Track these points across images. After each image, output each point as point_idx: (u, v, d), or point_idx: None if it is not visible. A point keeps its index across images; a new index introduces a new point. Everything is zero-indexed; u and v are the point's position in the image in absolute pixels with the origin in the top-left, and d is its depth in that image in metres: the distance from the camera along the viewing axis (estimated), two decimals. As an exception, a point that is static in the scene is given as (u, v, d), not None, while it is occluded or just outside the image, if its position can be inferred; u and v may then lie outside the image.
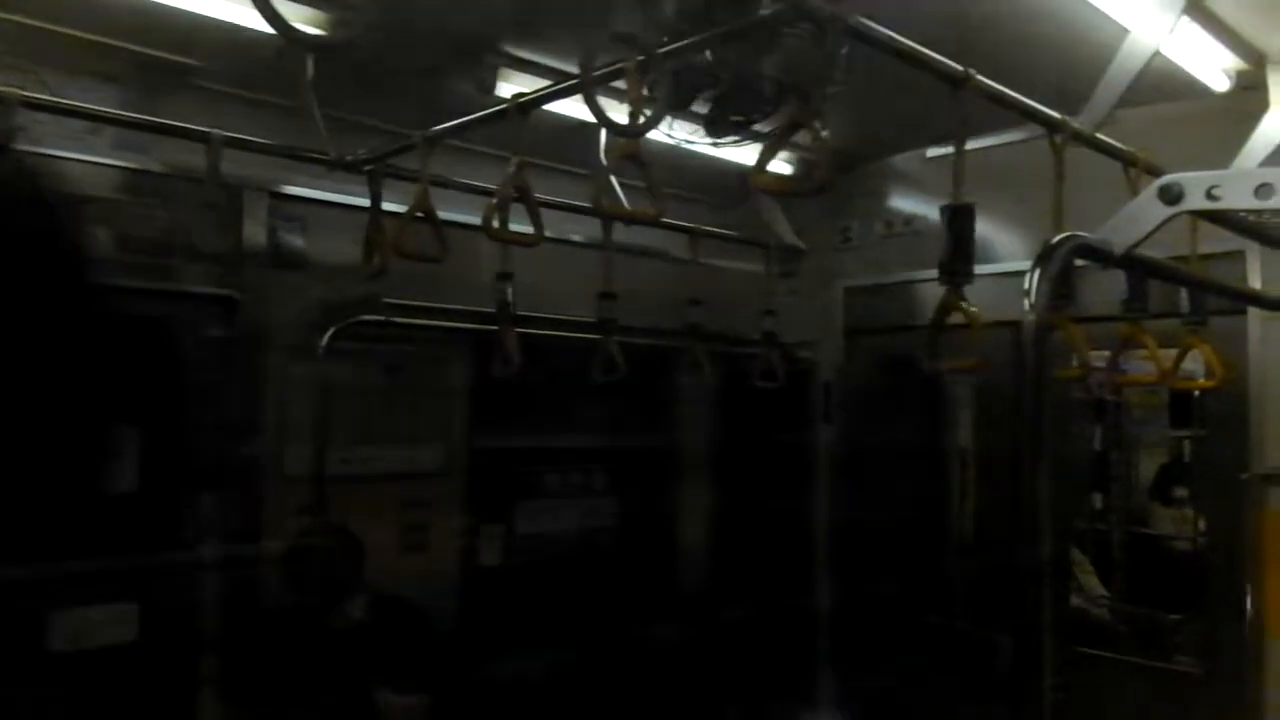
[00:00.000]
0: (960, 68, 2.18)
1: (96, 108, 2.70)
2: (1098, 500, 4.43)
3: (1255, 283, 3.25)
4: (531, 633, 3.94)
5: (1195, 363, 3.14)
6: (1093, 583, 4.13)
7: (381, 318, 3.23)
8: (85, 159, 2.73)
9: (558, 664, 3.96)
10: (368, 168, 2.98)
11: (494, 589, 3.88)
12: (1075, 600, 3.98)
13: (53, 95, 2.61)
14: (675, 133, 2.76)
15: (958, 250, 2.18)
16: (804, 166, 3.35)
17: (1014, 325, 1.52)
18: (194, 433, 2.95)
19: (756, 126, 2.47)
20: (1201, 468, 3.90)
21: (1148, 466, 4.78)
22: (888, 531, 4.22)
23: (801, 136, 1.96)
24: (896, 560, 4.22)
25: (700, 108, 2.42)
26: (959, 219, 2.19)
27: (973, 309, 2.16)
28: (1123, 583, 4.17)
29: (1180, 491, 4.49)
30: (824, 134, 1.84)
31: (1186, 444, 4.56)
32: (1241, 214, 2.48)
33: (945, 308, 2.19)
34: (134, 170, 2.92)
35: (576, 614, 4.12)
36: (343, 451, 3.32)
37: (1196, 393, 3.70)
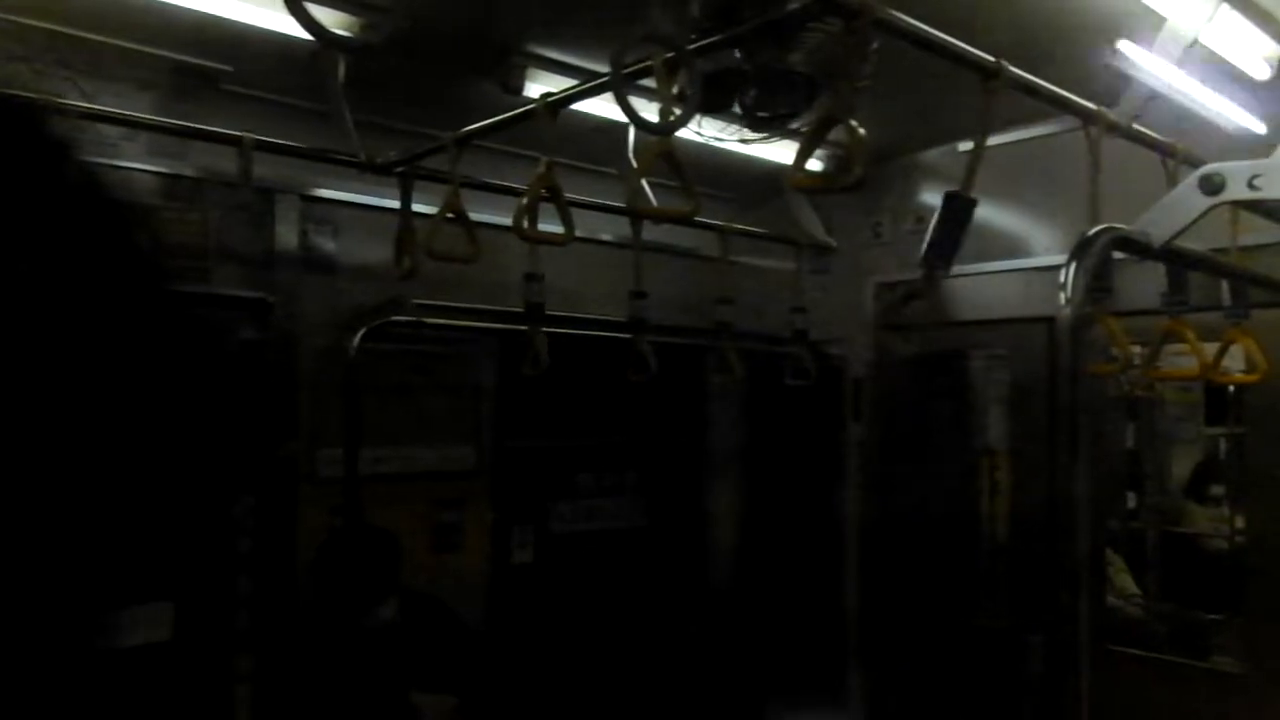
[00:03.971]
0: (992, 59, 2.15)
1: (132, 114, 2.73)
2: (1131, 499, 4.38)
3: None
4: (563, 631, 3.95)
5: (1233, 358, 3.09)
6: (1126, 581, 4.08)
7: (412, 319, 3.24)
8: (122, 165, 2.77)
9: (589, 662, 3.96)
10: (398, 170, 3.00)
11: (525, 588, 3.90)
12: (1109, 599, 3.92)
13: (89, 102, 2.65)
14: (704, 130, 2.75)
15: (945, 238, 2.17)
16: (837, 163, 3.32)
17: (1048, 321, 1.50)
18: (228, 434, 2.98)
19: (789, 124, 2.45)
20: (1238, 465, 3.84)
21: (1182, 464, 4.71)
22: (918, 529, 4.19)
23: (836, 132, 1.95)
24: (927, 558, 4.18)
25: (732, 105, 2.41)
26: (960, 207, 2.18)
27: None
28: (1157, 582, 4.12)
29: (1216, 489, 4.43)
30: (859, 130, 1.83)
31: (1222, 441, 4.49)
32: (1283, 204, 2.43)
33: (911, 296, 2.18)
34: (168, 175, 2.97)
35: (607, 612, 4.13)
36: (375, 452, 3.34)
37: (1232, 389, 3.65)
